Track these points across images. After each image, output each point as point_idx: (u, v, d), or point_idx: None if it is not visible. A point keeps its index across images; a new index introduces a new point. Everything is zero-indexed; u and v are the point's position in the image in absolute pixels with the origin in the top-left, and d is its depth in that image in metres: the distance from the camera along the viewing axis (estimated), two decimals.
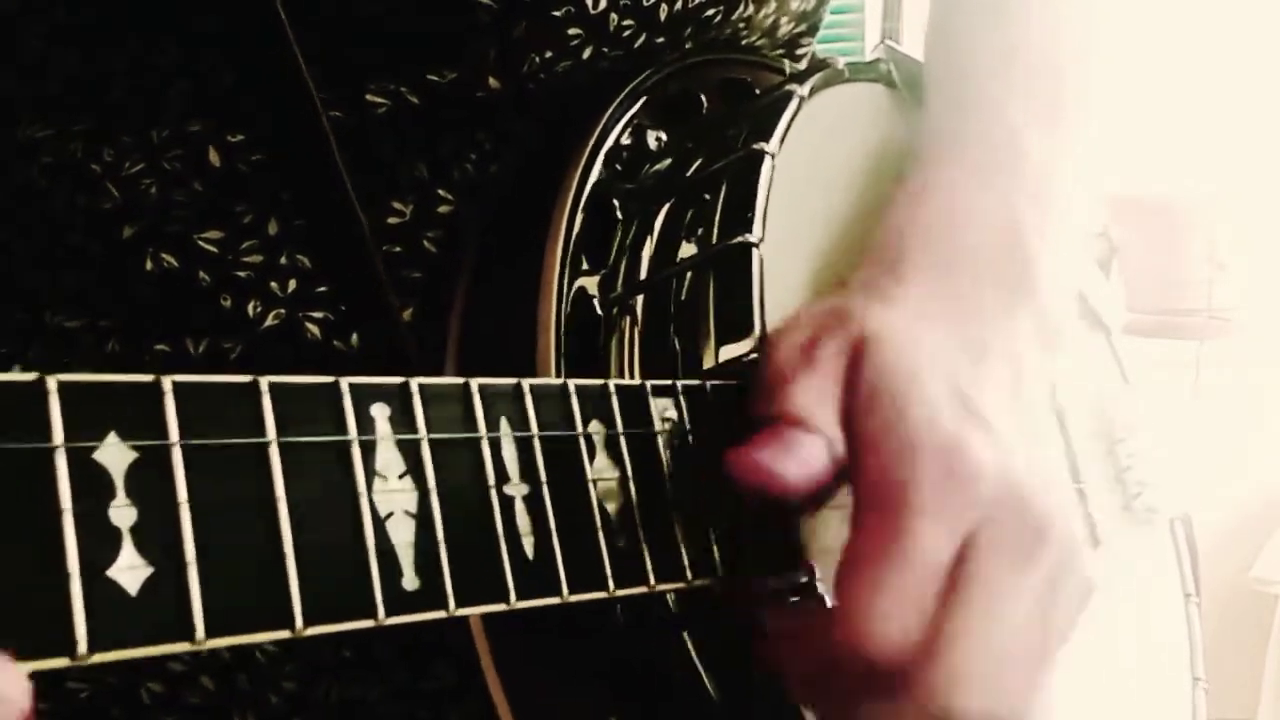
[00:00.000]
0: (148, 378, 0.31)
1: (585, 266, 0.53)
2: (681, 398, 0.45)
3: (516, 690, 0.50)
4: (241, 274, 0.56)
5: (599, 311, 0.52)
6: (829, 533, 0.48)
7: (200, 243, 0.56)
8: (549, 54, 0.57)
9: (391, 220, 0.57)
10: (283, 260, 0.56)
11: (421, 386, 0.36)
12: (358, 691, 0.58)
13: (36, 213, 0.58)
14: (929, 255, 0.51)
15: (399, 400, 0.36)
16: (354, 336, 0.55)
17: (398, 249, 0.57)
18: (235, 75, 0.54)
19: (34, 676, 0.27)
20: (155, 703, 0.58)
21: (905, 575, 0.42)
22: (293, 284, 0.56)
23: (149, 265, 0.56)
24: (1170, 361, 2.45)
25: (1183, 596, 0.71)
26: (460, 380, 0.38)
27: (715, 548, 0.44)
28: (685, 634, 0.48)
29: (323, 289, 0.56)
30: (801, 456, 0.43)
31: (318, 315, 0.56)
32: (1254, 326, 2.49)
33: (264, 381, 0.33)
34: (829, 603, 0.45)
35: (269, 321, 0.56)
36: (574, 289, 0.52)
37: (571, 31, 0.57)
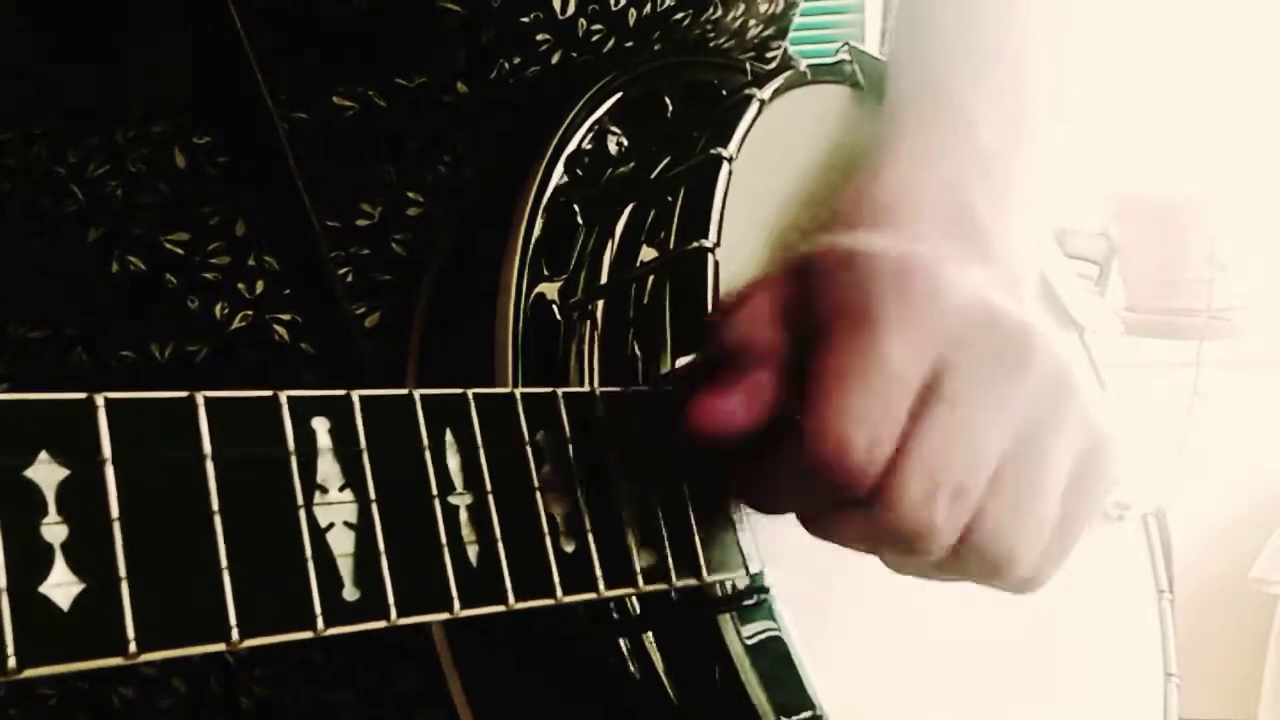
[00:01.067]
0: (80, 395, 0.31)
1: (546, 272, 0.53)
2: (630, 404, 0.45)
3: (478, 695, 0.51)
4: (209, 275, 0.56)
5: (559, 317, 0.52)
6: None
7: (167, 244, 0.56)
8: (518, 59, 0.57)
9: (360, 222, 0.57)
10: (250, 262, 0.56)
11: (362, 399, 0.37)
12: (327, 695, 0.59)
13: (0, 219, 0.58)
14: (873, 221, 0.51)
15: (340, 413, 0.36)
16: (313, 342, 0.56)
17: (366, 251, 0.57)
18: (195, 78, 0.54)
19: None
20: (125, 707, 0.58)
21: (873, 387, 0.42)
22: (260, 285, 0.56)
23: (115, 267, 0.56)
24: (1170, 361, 2.44)
25: (1156, 593, 0.71)
26: (403, 391, 0.38)
27: (668, 552, 0.44)
28: (647, 636, 0.49)
29: (289, 291, 0.56)
30: (748, 390, 0.43)
31: (285, 317, 0.56)
32: (1254, 326, 2.49)
33: (200, 396, 0.33)
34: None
35: (236, 323, 0.56)
36: (533, 295, 0.52)
37: (540, 36, 0.57)
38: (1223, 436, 2.44)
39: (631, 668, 0.48)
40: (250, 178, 0.55)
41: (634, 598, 0.48)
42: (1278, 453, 2.63)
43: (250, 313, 0.56)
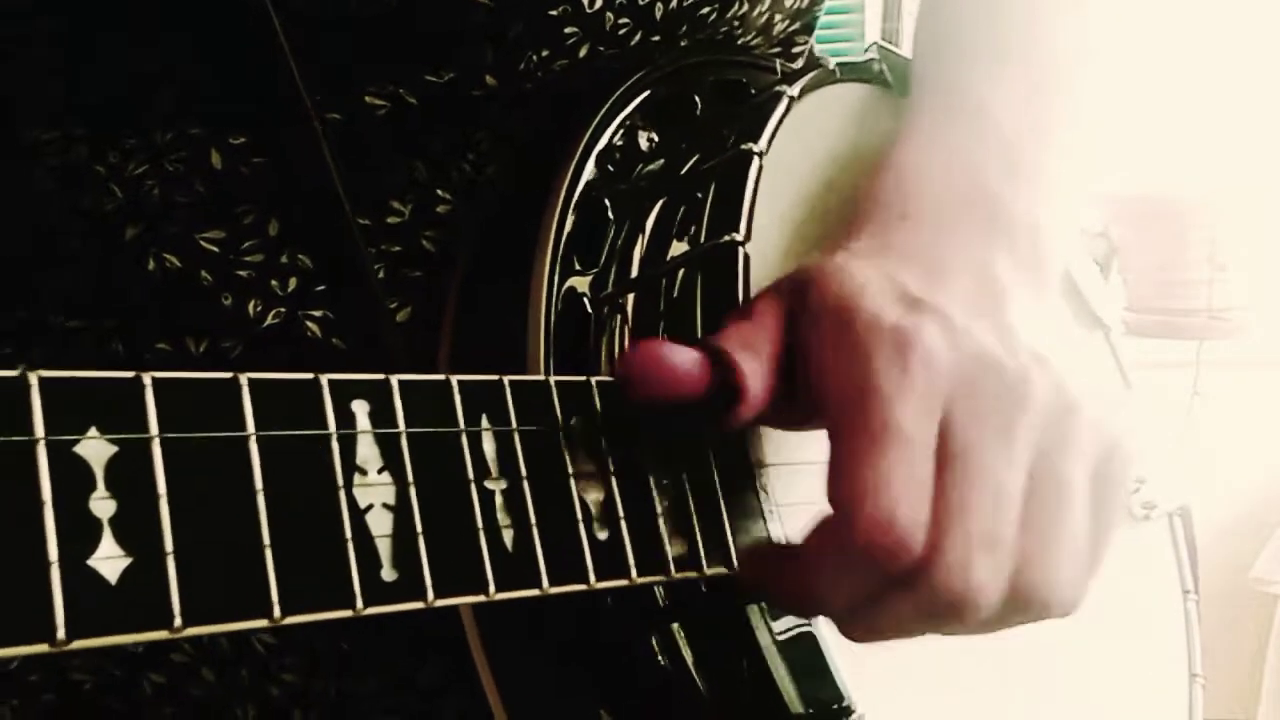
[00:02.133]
0: (128, 374, 0.32)
1: (577, 266, 0.54)
2: None
3: (508, 684, 0.51)
4: (242, 273, 0.57)
5: (589, 311, 0.53)
6: (798, 491, 0.49)
7: (202, 242, 0.57)
8: (545, 53, 0.58)
9: (391, 220, 0.58)
10: (283, 259, 0.57)
11: (401, 383, 0.37)
12: (355, 684, 0.59)
13: (40, 215, 0.59)
14: (885, 210, 0.51)
15: (379, 397, 0.37)
16: (347, 336, 0.56)
17: (397, 249, 0.58)
18: (232, 78, 0.55)
19: (36, 668, 0.28)
20: (156, 694, 0.59)
21: (895, 460, 0.42)
22: (293, 283, 0.57)
23: (151, 265, 0.57)
24: (1170, 361, 2.44)
25: (1181, 594, 0.71)
26: (440, 377, 0.39)
27: (699, 541, 0.45)
28: (675, 626, 0.49)
29: (322, 288, 0.57)
30: (670, 359, 0.43)
31: (317, 314, 0.57)
32: (1254, 326, 2.48)
33: (244, 378, 0.34)
34: None
35: (269, 320, 0.57)
36: (564, 289, 0.52)
37: (568, 30, 0.57)
38: (1222, 436, 2.43)
39: (659, 657, 0.49)
40: (285, 176, 0.55)
41: (662, 588, 0.48)
42: (1278, 453, 2.62)
43: (283, 310, 0.57)
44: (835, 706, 0.48)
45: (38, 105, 0.57)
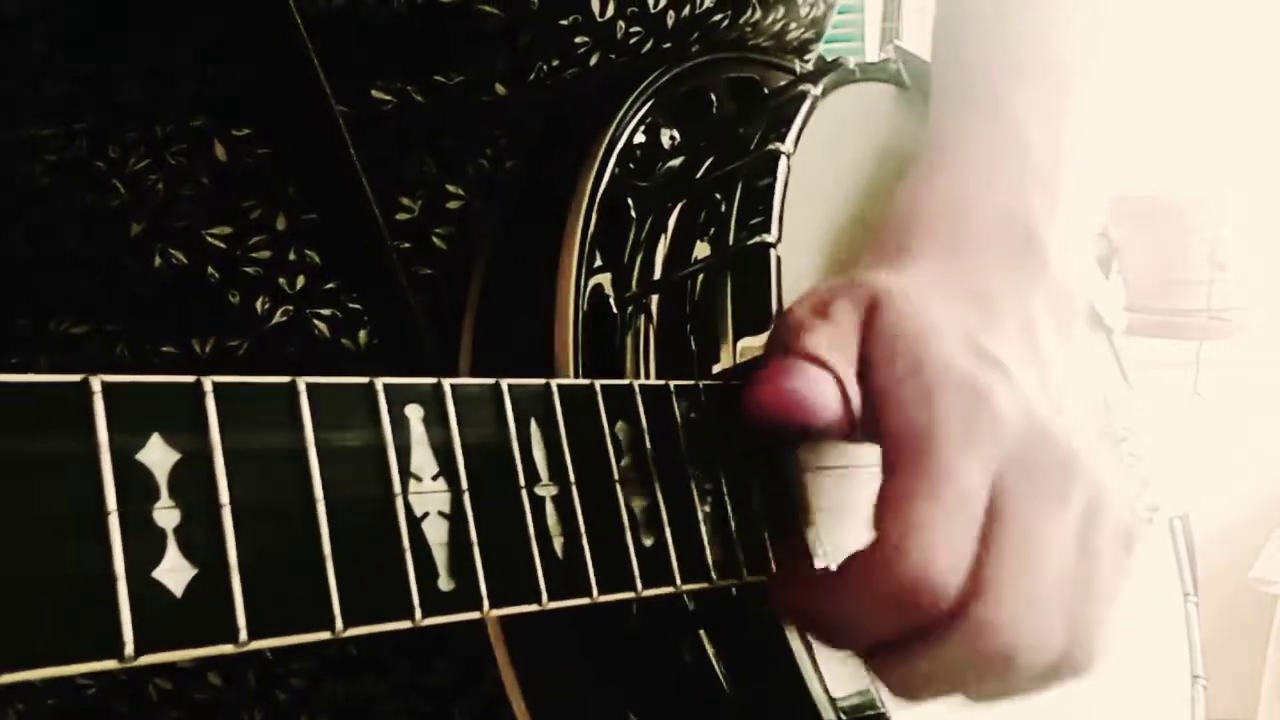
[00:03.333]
0: (189, 379, 0.31)
1: (599, 263, 0.53)
2: (704, 398, 0.45)
3: (532, 688, 0.50)
4: (250, 270, 0.56)
5: (614, 309, 0.52)
6: (828, 496, 0.48)
7: (208, 238, 0.56)
8: (556, 61, 0.57)
9: (400, 216, 0.57)
10: (291, 256, 0.56)
11: (454, 387, 0.36)
12: (364, 688, 0.58)
13: (41, 214, 0.57)
14: (934, 239, 0.51)
15: (432, 401, 0.36)
16: (365, 333, 0.55)
17: (406, 245, 0.57)
18: (244, 71, 0.53)
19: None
20: (163, 699, 0.58)
21: (947, 510, 0.42)
22: (301, 280, 0.56)
23: (157, 262, 0.56)
24: (1170, 361, 2.46)
25: (1181, 596, 0.72)
26: (491, 381, 0.38)
27: (738, 548, 0.44)
28: (701, 631, 0.48)
29: (331, 285, 0.56)
30: (818, 387, 0.43)
31: (326, 312, 0.56)
32: (1254, 326, 2.51)
33: (301, 383, 0.33)
34: None
35: (277, 318, 0.56)
36: (589, 286, 0.52)
37: (579, 39, 0.57)
38: (1222, 436, 2.46)
39: (688, 661, 0.48)
40: (299, 168, 0.54)
41: (690, 595, 0.47)
42: (1278, 453, 2.65)
43: (291, 308, 0.56)
44: (868, 713, 0.48)
45: (35, 100, 0.56)
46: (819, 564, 0.46)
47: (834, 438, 0.45)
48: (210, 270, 0.56)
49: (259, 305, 0.56)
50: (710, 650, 0.48)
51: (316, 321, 0.56)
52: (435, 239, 0.57)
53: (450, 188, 0.57)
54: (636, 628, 0.49)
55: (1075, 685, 0.67)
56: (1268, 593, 2.47)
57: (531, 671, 0.50)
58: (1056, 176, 0.55)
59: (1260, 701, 2.51)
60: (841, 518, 0.48)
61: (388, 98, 0.55)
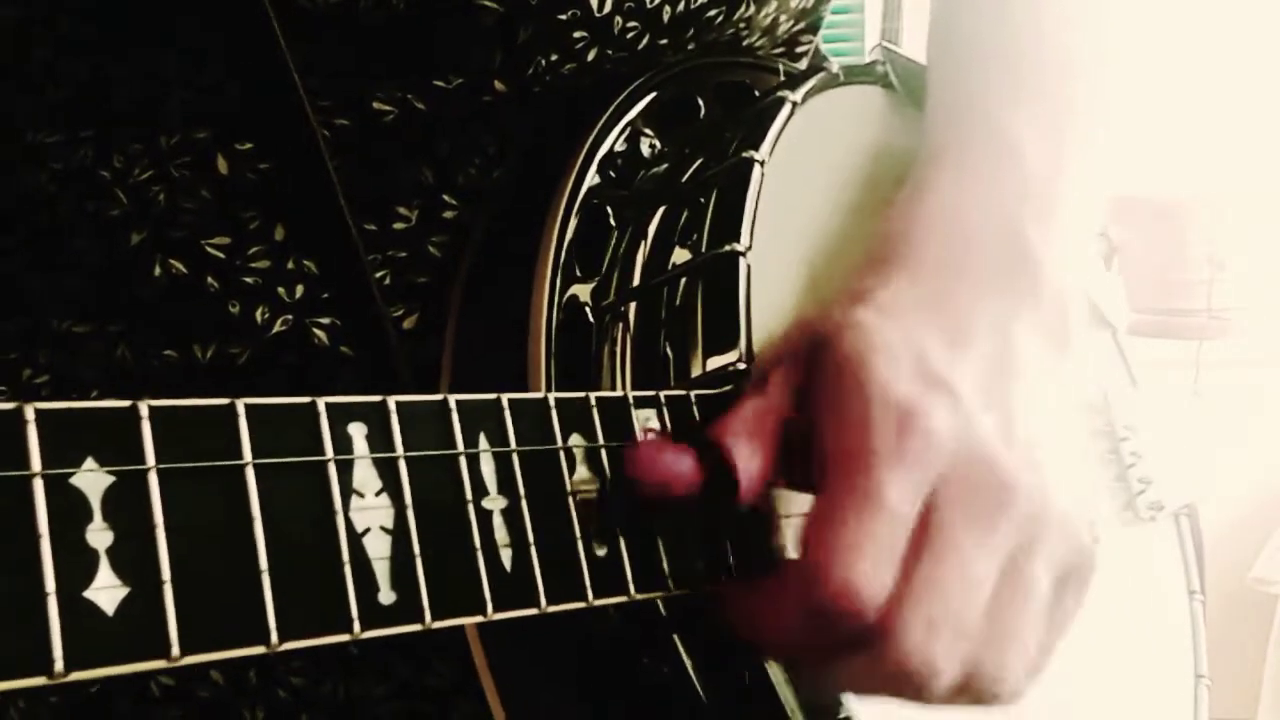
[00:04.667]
0: (124, 404, 0.32)
1: (578, 274, 0.54)
2: (665, 408, 0.45)
3: (510, 694, 0.51)
4: (249, 280, 0.57)
5: (591, 319, 0.53)
6: (797, 504, 0.49)
7: (208, 249, 0.57)
8: (554, 57, 0.57)
9: (397, 226, 0.58)
10: (289, 266, 0.57)
11: (399, 404, 0.37)
12: (363, 688, 0.60)
13: (43, 218, 0.59)
14: (919, 257, 0.51)
15: (376, 419, 0.37)
16: (352, 345, 0.56)
17: (403, 254, 0.58)
18: (236, 85, 0.55)
19: None
20: (164, 696, 0.59)
21: (874, 526, 0.43)
22: (300, 290, 0.57)
23: (157, 271, 0.57)
24: (1170, 361, 2.43)
25: (1187, 594, 0.71)
26: (439, 397, 0.39)
27: (699, 557, 0.45)
28: (675, 637, 0.49)
29: (328, 295, 0.57)
30: (673, 463, 0.44)
31: (325, 321, 0.57)
32: (1254, 326, 2.48)
33: (240, 404, 0.34)
34: None
35: (277, 328, 0.57)
36: (566, 297, 0.52)
37: (577, 34, 0.57)
38: (1222, 437, 2.42)
39: (661, 666, 0.49)
40: (290, 183, 0.55)
41: (662, 600, 0.48)
42: (1277, 453, 2.62)
43: (290, 317, 0.57)
44: (835, 716, 0.48)
45: (41, 107, 0.57)
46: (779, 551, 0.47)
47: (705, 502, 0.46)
48: (210, 280, 0.57)
49: (259, 315, 0.57)
50: (684, 655, 0.49)
51: (316, 330, 0.57)
52: (431, 248, 0.58)
53: (445, 197, 0.58)
54: (611, 634, 0.49)
55: (1077, 680, 0.68)
56: (1268, 593, 2.44)
57: (508, 676, 0.51)
58: (1054, 187, 0.55)
59: (1260, 701, 2.48)
60: None
61: (389, 107, 0.56)
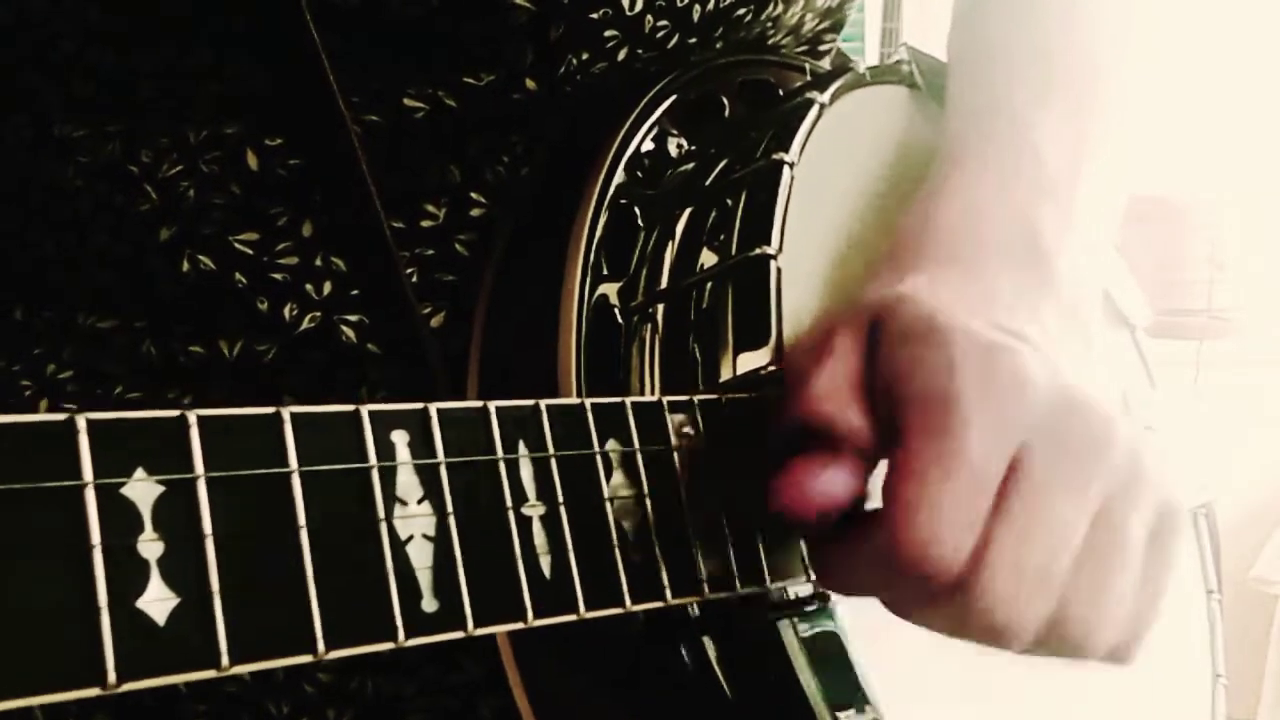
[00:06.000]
0: (173, 413, 0.32)
1: (606, 273, 0.54)
2: (699, 412, 0.45)
3: (538, 693, 0.51)
4: (277, 276, 0.57)
5: (619, 320, 0.53)
6: None
7: (237, 245, 0.57)
8: (585, 55, 0.57)
9: (425, 223, 0.58)
10: (318, 263, 0.57)
11: (440, 411, 0.37)
12: (390, 683, 0.60)
13: (70, 212, 0.59)
14: (943, 253, 0.51)
15: (418, 426, 0.37)
16: (381, 343, 0.56)
17: (430, 252, 0.58)
18: (267, 79, 0.55)
19: None
20: (192, 692, 0.60)
21: (955, 486, 0.42)
22: (328, 287, 0.57)
23: (185, 267, 0.57)
24: (1170, 361, 2.44)
25: (1205, 593, 0.71)
26: (479, 404, 0.39)
27: (733, 559, 0.45)
28: (705, 638, 0.49)
29: (357, 292, 0.57)
30: (833, 479, 0.44)
31: (353, 319, 0.57)
32: (1254, 326, 2.48)
33: (286, 413, 0.34)
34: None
35: (305, 325, 0.57)
36: (595, 296, 0.52)
37: (608, 33, 0.57)
38: (1222, 437, 2.43)
39: (688, 664, 0.49)
40: (319, 179, 0.55)
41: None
42: (1277, 453, 2.63)
43: (318, 314, 0.57)
44: (861, 712, 0.48)
45: (65, 100, 0.57)
46: None
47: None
48: (238, 276, 0.57)
49: (287, 312, 0.57)
50: (713, 656, 0.49)
51: (344, 328, 0.57)
52: (459, 245, 0.58)
53: (474, 195, 0.58)
54: (641, 635, 0.50)
55: (1094, 678, 0.68)
56: (1268, 593, 2.45)
57: (537, 677, 0.51)
58: (1073, 187, 0.55)
59: (1260, 701, 2.50)
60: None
61: (420, 105, 0.56)
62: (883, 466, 0.44)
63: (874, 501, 0.45)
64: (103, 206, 0.58)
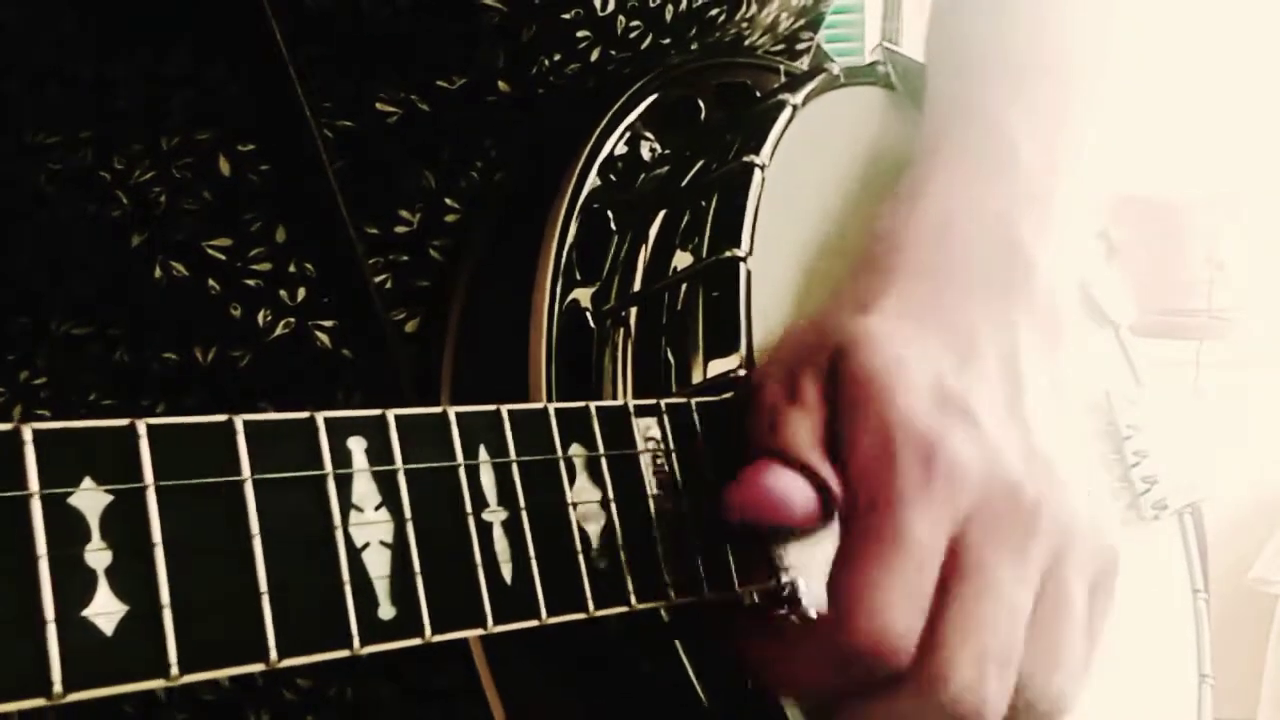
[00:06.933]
0: (123, 422, 0.32)
1: (579, 277, 0.54)
2: (665, 416, 0.45)
3: (512, 700, 0.51)
4: (251, 282, 0.57)
5: (592, 324, 0.53)
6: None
7: (210, 251, 0.57)
8: (558, 56, 0.57)
9: (399, 229, 0.58)
10: (291, 269, 0.57)
11: (398, 418, 0.37)
12: (370, 690, 0.60)
13: (43, 219, 0.59)
14: (918, 260, 0.51)
15: (376, 433, 0.37)
16: (355, 348, 0.56)
17: (405, 258, 0.58)
18: (239, 86, 0.55)
19: None
20: (170, 699, 0.59)
21: (900, 569, 0.43)
22: (302, 292, 0.57)
23: (158, 273, 0.57)
24: (1170, 361, 2.44)
25: (1191, 593, 0.71)
26: (438, 410, 0.39)
27: (699, 564, 0.45)
28: (677, 643, 0.49)
29: (329, 298, 0.57)
30: (792, 487, 0.44)
31: (327, 324, 0.57)
32: (1254, 326, 2.48)
33: (238, 421, 0.34)
34: (812, 613, 0.46)
35: (279, 330, 0.57)
36: (567, 301, 0.52)
37: (580, 34, 0.57)
38: (1222, 437, 2.43)
39: (663, 671, 0.49)
40: (291, 185, 0.55)
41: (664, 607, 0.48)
42: (1277, 453, 2.62)
43: (292, 320, 0.57)
44: None
45: (37, 107, 0.57)
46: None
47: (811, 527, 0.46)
48: (211, 282, 0.57)
49: (261, 318, 0.57)
50: (686, 661, 0.49)
51: (318, 334, 0.57)
52: (433, 251, 0.58)
53: (448, 200, 0.58)
54: (613, 639, 0.49)
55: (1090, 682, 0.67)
56: (1268, 593, 2.45)
57: (511, 684, 0.51)
58: (1049, 185, 0.55)
59: (1260, 701, 2.49)
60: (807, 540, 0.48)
61: (392, 109, 0.56)
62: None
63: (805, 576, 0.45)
64: (75, 213, 0.58)
